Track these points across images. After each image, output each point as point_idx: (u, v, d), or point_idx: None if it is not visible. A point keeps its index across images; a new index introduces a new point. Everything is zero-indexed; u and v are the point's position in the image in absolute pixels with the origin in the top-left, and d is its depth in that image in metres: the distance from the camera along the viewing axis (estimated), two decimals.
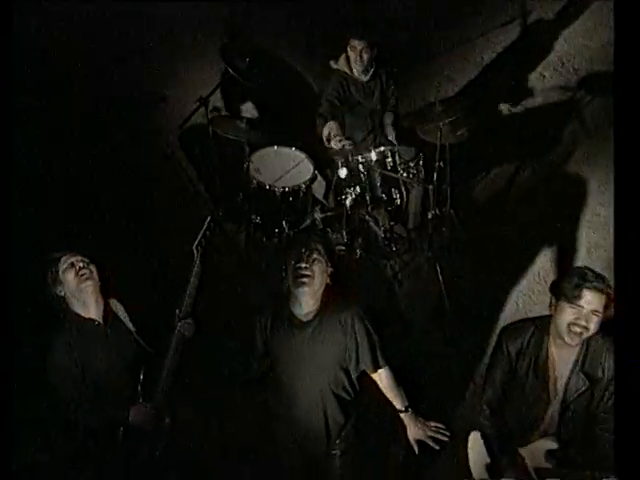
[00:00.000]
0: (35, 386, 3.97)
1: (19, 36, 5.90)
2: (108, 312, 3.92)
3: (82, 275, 3.80)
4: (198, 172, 6.32)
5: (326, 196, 5.92)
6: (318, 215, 5.72)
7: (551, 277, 5.50)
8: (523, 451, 3.73)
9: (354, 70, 5.79)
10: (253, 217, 5.72)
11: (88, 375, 3.81)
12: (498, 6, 7.08)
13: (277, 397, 3.91)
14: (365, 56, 5.69)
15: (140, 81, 6.69)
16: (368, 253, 5.77)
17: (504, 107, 6.76)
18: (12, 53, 4.61)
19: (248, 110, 6.67)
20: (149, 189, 5.97)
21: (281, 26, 6.99)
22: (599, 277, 3.55)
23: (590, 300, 3.50)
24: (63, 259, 3.83)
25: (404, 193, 5.71)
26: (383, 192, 5.68)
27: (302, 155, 5.75)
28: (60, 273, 3.81)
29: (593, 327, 3.52)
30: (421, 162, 5.66)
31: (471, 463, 3.85)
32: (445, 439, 3.90)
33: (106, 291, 3.94)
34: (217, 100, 6.55)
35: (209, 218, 3.97)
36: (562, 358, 3.68)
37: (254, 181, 5.59)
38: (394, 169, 5.62)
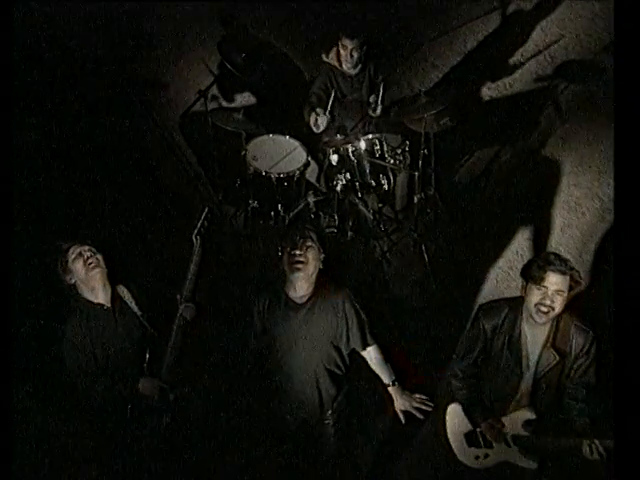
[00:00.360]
0: (50, 366, 4.10)
1: (27, 25, 5.97)
2: (115, 297, 3.98)
3: (90, 264, 3.86)
4: (198, 158, 6.31)
5: (318, 179, 5.94)
6: (311, 199, 5.72)
7: (528, 255, 5.55)
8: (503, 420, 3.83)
9: (344, 65, 5.76)
10: (250, 201, 5.74)
11: (99, 355, 3.88)
12: None
13: (274, 372, 3.96)
14: (355, 54, 5.66)
15: (142, 71, 6.66)
16: (358, 234, 5.78)
17: (485, 93, 6.70)
18: (21, 38, 4.60)
19: (245, 98, 6.62)
20: (151, 177, 5.97)
21: (277, 19, 6.91)
22: (562, 260, 3.65)
23: (554, 281, 3.60)
24: (72, 249, 3.88)
25: (391, 178, 5.72)
26: (372, 178, 5.69)
27: (296, 143, 5.75)
28: (69, 263, 3.87)
29: (558, 306, 3.62)
30: (407, 149, 5.67)
31: (449, 432, 3.95)
32: (429, 409, 3.98)
33: (113, 278, 3.99)
34: (214, 89, 6.48)
35: (207, 209, 4.03)
36: (534, 335, 3.77)
37: (251, 168, 5.60)
38: (382, 156, 5.63)
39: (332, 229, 5.72)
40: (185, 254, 3.95)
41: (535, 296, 3.65)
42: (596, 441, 3.51)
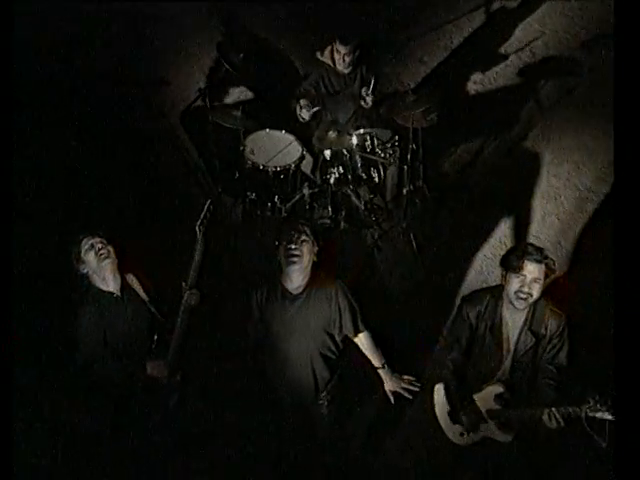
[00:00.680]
0: (64, 349, 4.13)
1: (28, 24, 5.72)
2: (125, 285, 4.04)
3: (101, 255, 3.92)
4: (199, 152, 6.31)
5: (313, 171, 5.95)
6: (306, 191, 5.77)
7: (510, 242, 5.61)
8: (477, 396, 3.92)
9: (337, 65, 5.79)
10: (248, 193, 5.78)
11: (110, 339, 3.95)
12: None
13: (272, 357, 4.03)
14: (347, 58, 5.69)
15: (144, 69, 6.67)
16: (351, 224, 5.83)
17: (470, 87, 6.74)
18: (24, 37, 4.54)
19: (242, 93, 6.63)
20: (156, 171, 5.97)
21: (275, 19, 6.93)
22: (539, 250, 3.75)
23: (532, 270, 3.70)
24: (84, 241, 3.94)
25: (382, 171, 5.79)
26: (363, 171, 5.77)
27: (291, 137, 5.78)
28: (82, 254, 3.93)
29: (536, 293, 3.73)
30: (396, 143, 5.73)
31: (437, 410, 4.03)
32: (416, 390, 4.08)
33: (122, 267, 4.04)
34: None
35: (209, 201, 4.02)
36: (513, 320, 3.88)
37: (249, 161, 5.63)
38: (372, 150, 5.69)
39: (326, 220, 5.78)
40: (189, 244, 3.95)
41: (514, 284, 3.75)
42: (553, 409, 3.59)
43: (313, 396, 4.13)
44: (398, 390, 4.10)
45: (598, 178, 5.81)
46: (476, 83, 6.75)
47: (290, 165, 5.65)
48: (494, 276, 5.17)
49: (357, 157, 5.70)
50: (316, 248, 3.93)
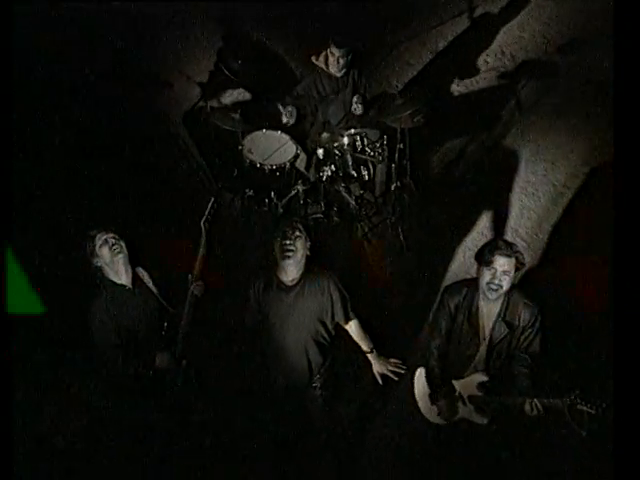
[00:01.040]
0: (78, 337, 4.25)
1: (30, 25, 5.74)
2: (136, 278, 4.15)
3: (114, 250, 4.02)
4: (200, 150, 6.34)
5: (307, 168, 6.02)
6: (300, 188, 5.82)
7: (490, 235, 5.68)
8: (460, 382, 4.04)
9: (331, 68, 5.83)
10: (247, 190, 5.85)
11: (122, 328, 4.05)
12: (450, 1, 7.04)
13: (269, 344, 4.16)
14: (341, 61, 5.73)
15: (147, 70, 6.67)
16: (342, 218, 5.92)
17: (455, 89, 6.79)
18: (24, 37, 4.50)
19: (240, 94, 6.61)
20: (159, 168, 6.00)
21: (271, 24, 6.95)
22: (509, 245, 3.87)
23: (502, 263, 3.82)
24: (98, 236, 4.04)
25: (371, 169, 5.88)
26: (354, 169, 5.85)
27: (287, 137, 5.83)
28: (96, 248, 4.03)
29: (505, 284, 3.85)
30: (385, 143, 5.80)
31: (416, 392, 4.17)
32: (402, 372, 4.22)
33: (133, 261, 4.15)
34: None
35: (213, 199, 4.16)
36: (489, 310, 4.00)
37: (247, 160, 5.69)
38: (363, 150, 5.77)
39: (319, 215, 5.86)
40: (193, 237, 4.08)
41: (486, 276, 3.87)
42: (535, 400, 3.71)
43: (307, 379, 4.24)
44: (385, 372, 4.24)
45: (572, 174, 5.88)
46: (460, 85, 6.79)
47: (285, 163, 5.71)
48: (476, 267, 5.25)
49: (348, 156, 5.78)
50: (309, 243, 4.04)
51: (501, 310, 3.97)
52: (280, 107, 5.90)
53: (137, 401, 4.17)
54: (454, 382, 4.06)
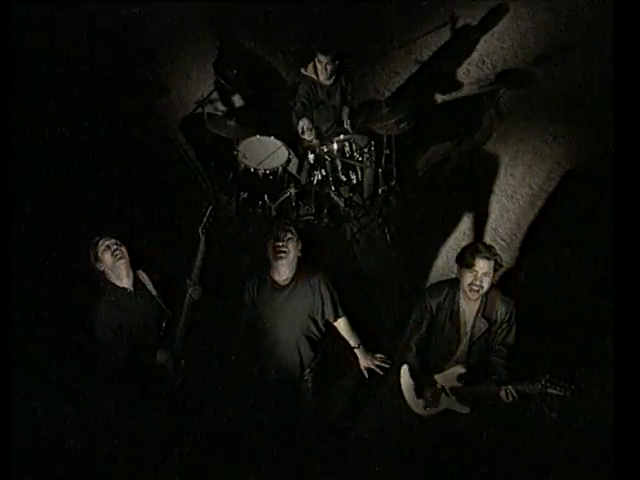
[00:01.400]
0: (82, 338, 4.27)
1: (29, 31, 5.87)
2: (137, 282, 4.14)
3: (116, 255, 4.02)
4: (197, 155, 6.36)
5: (299, 171, 6.03)
6: (292, 191, 5.84)
7: (471, 235, 5.76)
8: (441, 376, 4.11)
9: (320, 76, 5.87)
10: (241, 193, 5.86)
11: (124, 329, 4.06)
12: (433, 13, 7.10)
13: (263, 340, 4.19)
14: (329, 67, 5.76)
15: (144, 77, 6.72)
16: (332, 220, 5.94)
17: (438, 96, 6.83)
18: (23, 44, 4.41)
19: (237, 100, 6.69)
20: (157, 172, 6.01)
21: (265, 33, 7.02)
22: (488, 248, 3.93)
23: (482, 266, 3.88)
24: (100, 242, 4.04)
25: (359, 173, 5.91)
26: (343, 174, 5.87)
27: (279, 142, 5.84)
28: (99, 254, 4.03)
29: (486, 285, 3.92)
30: (372, 148, 5.84)
31: (403, 386, 4.22)
32: (387, 366, 4.29)
33: (134, 265, 4.15)
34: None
35: (211, 207, 4.15)
36: (469, 308, 4.06)
37: (241, 164, 5.71)
38: (351, 155, 5.80)
39: (310, 217, 5.90)
40: (191, 241, 4.07)
41: (468, 278, 3.93)
42: (510, 387, 3.80)
43: (299, 373, 4.29)
44: (371, 367, 4.30)
45: (548, 178, 5.95)
46: (443, 93, 6.84)
47: (278, 168, 5.74)
48: (457, 268, 5.31)
49: (337, 161, 5.82)
50: (300, 244, 4.08)
51: (480, 307, 4.03)
52: (299, 122, 5.91)
53: (137, 400, 4.18)
54: (436, 376, 4.13)
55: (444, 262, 5.68)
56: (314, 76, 5.94)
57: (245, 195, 5.91)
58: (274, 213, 5.88)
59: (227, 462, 4.38)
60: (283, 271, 4.07)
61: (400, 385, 4.21)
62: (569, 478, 4.08)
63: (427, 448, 4.32)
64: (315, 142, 5.76)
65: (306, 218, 5.92)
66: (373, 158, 5.91)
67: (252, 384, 4.39)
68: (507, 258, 5.51)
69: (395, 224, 5.95)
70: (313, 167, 5.87)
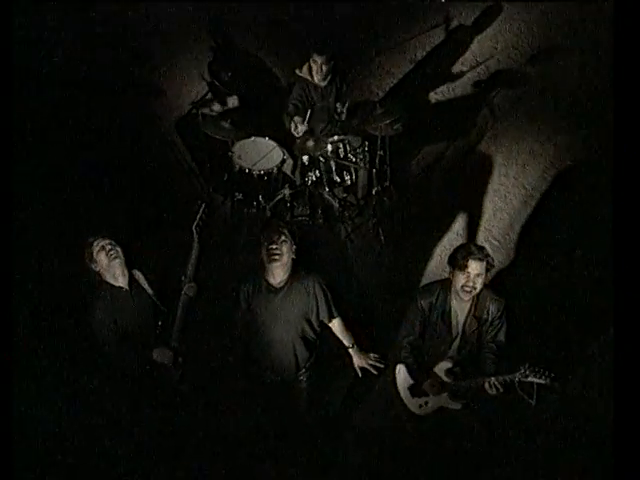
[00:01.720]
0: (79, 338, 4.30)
1: (26, 35, 5.67)
2: (132, 280, 4.19)
3: (111, 255, 4.08)
4: (192, 155, 6.39)
5: (293, 172, 6.10)
6: (287, 192, 5.90)
7: (465, 235, 5.77)
8: (430, 373, 4.16)
9: (315, 78, 5.91)
10: (236, 194, 5.92)
11: (120, 328, 4.11)
12: (427, 14, 7.06)
13: (258, 341, 4.23)
14: (324, 68, 5.80)
15: (140, 79, 6.66)
16: (326, 220, 5.99)
17: (432, 96, 6.82)
18: (21, 48, 4.40)
19: (232, 102, 6.63)
20: (153, 172, 5.99)
21: (260, 34, 6.97)
22: (480, 249, 3.97)
23: (475, 267, 3.94)
24: (95, 243, 4.09)
25: (353, 174, 5.96)
26: (337, 175, 5.93)
27: (274, 143, 5.91)
28: (94, 254, 4.08)
29: (478, 286, 3.98)
30: (366, 149, 5.89)
31: (398, 386, 4.26)
32: (382, 366, 4.32)
33: (129, 264, 4.19)
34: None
35: (204, 204, 4.20)
36: (460, 308, 4.12)
37: (236, 165, 5.77)
38: (345, 156, 5.85)
39: (304, 217, 5.94)
40: (186, 240, 4.12)
41: (460, 279, 3.98)
42: (492, 378, 3.86)
43: (294, 372, 4.33)
44: (365, 366, 4.34)
45: (541, 178, 5.95)
46: (437, 93, 6.85)
47: (273, 169, 5.79)
48: (449, 270, 5.35)
49: (332, 162, 5.87)
50: (294, 247, 4.11)
51: (471, 307, 4.09)
52: (290, 120, 5.94)
53: (135, 398, 4.23)
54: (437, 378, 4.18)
55: (438, 262, 5.69)
56: (309, 77, 5.98)
57: (240, 196, 5.97)
58: (269, 213, 5.92)
59: (222, 459, 4.40)
60: (277, 274, 4.11)
61: (396, 384, 4.25)
62: (569, 478, 4.10)
63: (422, 446, 4.35)
64: (310, 145, 5.76)
65: (300, 218, 5.96)
66: (367, 159, 5.96)
67: (248, 384, 4.42)
68: (500, 258, 5.55)
69: (389, 224, 5.99)
70: (307, 168, 5.91)
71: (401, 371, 4.25)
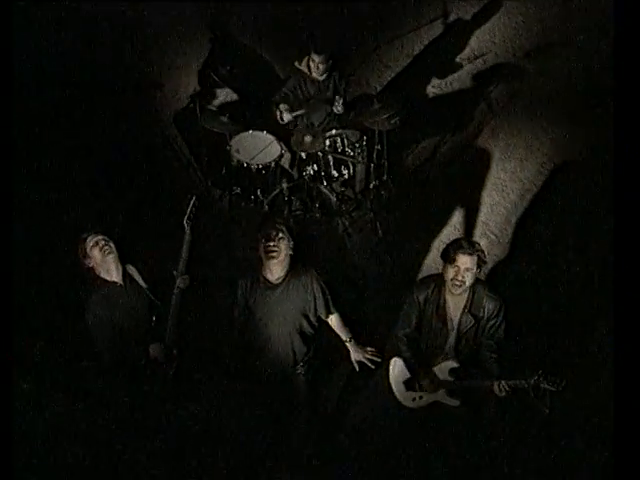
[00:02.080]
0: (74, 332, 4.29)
1: (26, 29, 5.59)
2: (126, 275, 4.18)
3: (105, 251, 4.07)
4: (190, 149, 6.34)
5: (291, 166, 6.07)
6: (285, 186, 5.86)
7: (462, 229, 5.71)
8: (434, 370, 4.14)
9: (313, 73, 5.90)
10: (234, 188, 5.91)
11: (115, 322, 4.10)
12: (425, 7, 7.00)
13: (256, 337, 4.22)
14: (322, 66, 5.80)
15: (138, 72, 6.58)
16: (324, 214, 5.96)
17: (430, 90, 6.80)
18: (21, 42, 4.36)
19: (228, 94, 6.66)
20: (151, 168, 5.92)
21: (259, 30, 6.92)
22: (471, 244, 3.95)
23: (464, 261, 3.91)
24: (89, 239, 4.08)
25: (351, 168, 5.94)
26: (335, 169, 5.91)
27: (272, 137, 5.88)
28: (88, 250, 4.07)
29: (468, 280, 3.95)
30: (364, 143, 5.86)
31: (391, 380, 4.24)
32: (378, 360, 4.31)
33: (122, 258, 4.18)
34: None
35: (194, 197, 4.21)
36: (455, 303, 4.10)
37: (234, 159, 5.75)
38: (343, 151, 5.83)
39: (302, 211, 5.91)
40: (181, 235, 4.12)
41: (450, 273, 3.96)
42: (502, 382, 3.84)
43: (292, 367, 4.33)
44: (362, 360, 4.34)
45: (538, 172, 5.87)
46: (434, 87, 6.81)
47: (271, 163, 5.77)
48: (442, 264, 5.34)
49: (329, 157, 5.84)
50: (292, 243, 4.10)
51: (467, 303, 4.07)
52: (277, 108, 5.89)
53: (131, 392, 4.18)
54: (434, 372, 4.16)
55: (435, 256, 5.60)
56: (307, 71, 5.95)
57: (238, 190, 5.96)
58: (266, 207, 5.89)
59: (219, 454, 4.35)
60: (275, 270, 4.11)
61: (388, 377, 4.24)
62: (568, 477, 4.07)
63: (419, 440, 4.32)
64: (307, 141, 5.68)
65: (298, 213, 5.93)
66: (365, 153, 5.93)
67: (245, 379, 4.40)
68: (498, 252, 5.52)
69: (387, 218, 5.96)
70: (305, 162, 5.88)
71: (397, 364, 4.24)
